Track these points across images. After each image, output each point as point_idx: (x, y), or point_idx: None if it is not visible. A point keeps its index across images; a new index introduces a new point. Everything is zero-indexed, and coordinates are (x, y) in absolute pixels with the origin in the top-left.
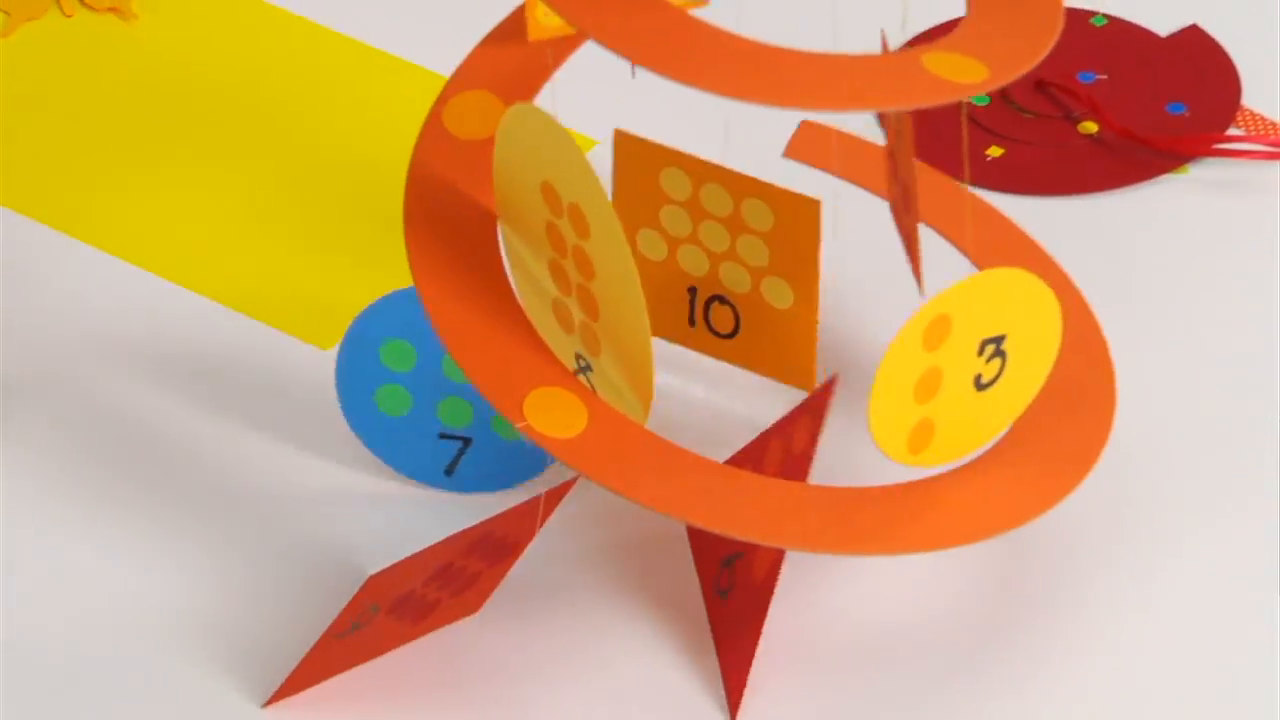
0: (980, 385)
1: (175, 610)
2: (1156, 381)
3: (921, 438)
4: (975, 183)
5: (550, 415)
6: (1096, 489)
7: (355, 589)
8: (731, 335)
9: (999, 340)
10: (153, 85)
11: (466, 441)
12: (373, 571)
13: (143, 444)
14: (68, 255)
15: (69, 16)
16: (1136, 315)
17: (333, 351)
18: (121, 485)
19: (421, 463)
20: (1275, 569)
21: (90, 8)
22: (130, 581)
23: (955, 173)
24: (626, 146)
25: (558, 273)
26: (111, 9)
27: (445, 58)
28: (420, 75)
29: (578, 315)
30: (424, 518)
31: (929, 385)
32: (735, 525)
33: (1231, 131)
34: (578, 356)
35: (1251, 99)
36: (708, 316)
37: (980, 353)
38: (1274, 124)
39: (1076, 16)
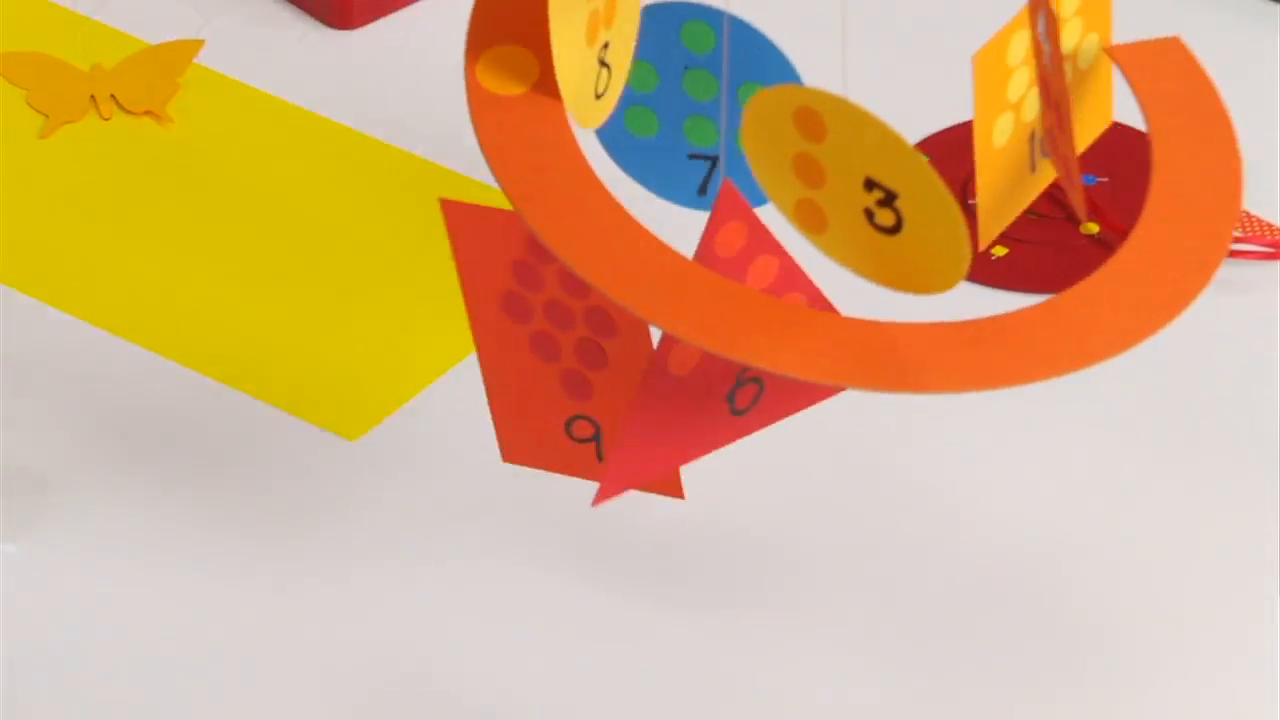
0: (875, 224)
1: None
2: (1157, 475)
3: (813, 219)
4: (981, 281)
5: (502, 70)
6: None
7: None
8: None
9: (890, 195)
10: (186, 184)
11: (714, 160)
12: None
13: (165, 535)
14: (103, 348)
15: (106, 119)
16: (1139, 410)
17: (358, 443)
18: (139, 585)
19: (675, 184)
20: None
21: (128, 112)
22: None
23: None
24: (986, 61)
25: None
26: (148, 113)
27: (464, 158)
28: (436, 171)
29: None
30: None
31: (810, 171)
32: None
33: None
34: (599, 56)
35: (1249, 202)
36: (1042, 146)
37: (867, 189)
38: (1271, 225)
39: None
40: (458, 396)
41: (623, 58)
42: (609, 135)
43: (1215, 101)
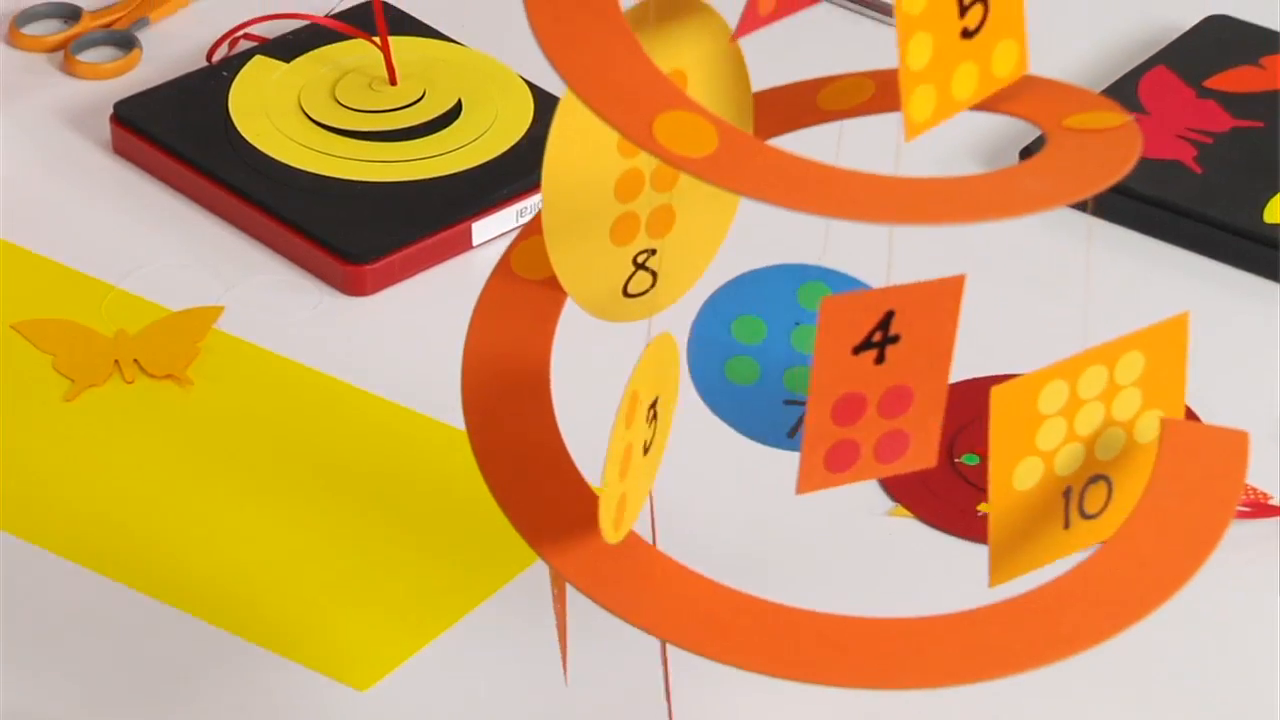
0: (645, 450)
1: None
2: None
3: (622, 514)
4: (967, 535)
5: (680, 136)
6: None
7: None
8: (1103, 510)
9: (654, 403)
10: (205, 443)
11: None
12: None
13: None
14: (119, 599)
15: (129, 383)
16: (1128, 664)
17: (368, 693)
18: None
19: (765, 427)
20: None
21: (150, 375)
22: None
23: (951, 527)
24: (1005, 397)
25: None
26: (169, 376)
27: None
28: (443, 430)
29: (646, 209)
30: None
31: (625, 461)
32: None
33: None
34: (635, 257)
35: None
36: (1082, 507)
37: (647, 420)
38: (1250, 486)
39: None
40: (468, 646)
41: (683, 270)
42: (702, 379)
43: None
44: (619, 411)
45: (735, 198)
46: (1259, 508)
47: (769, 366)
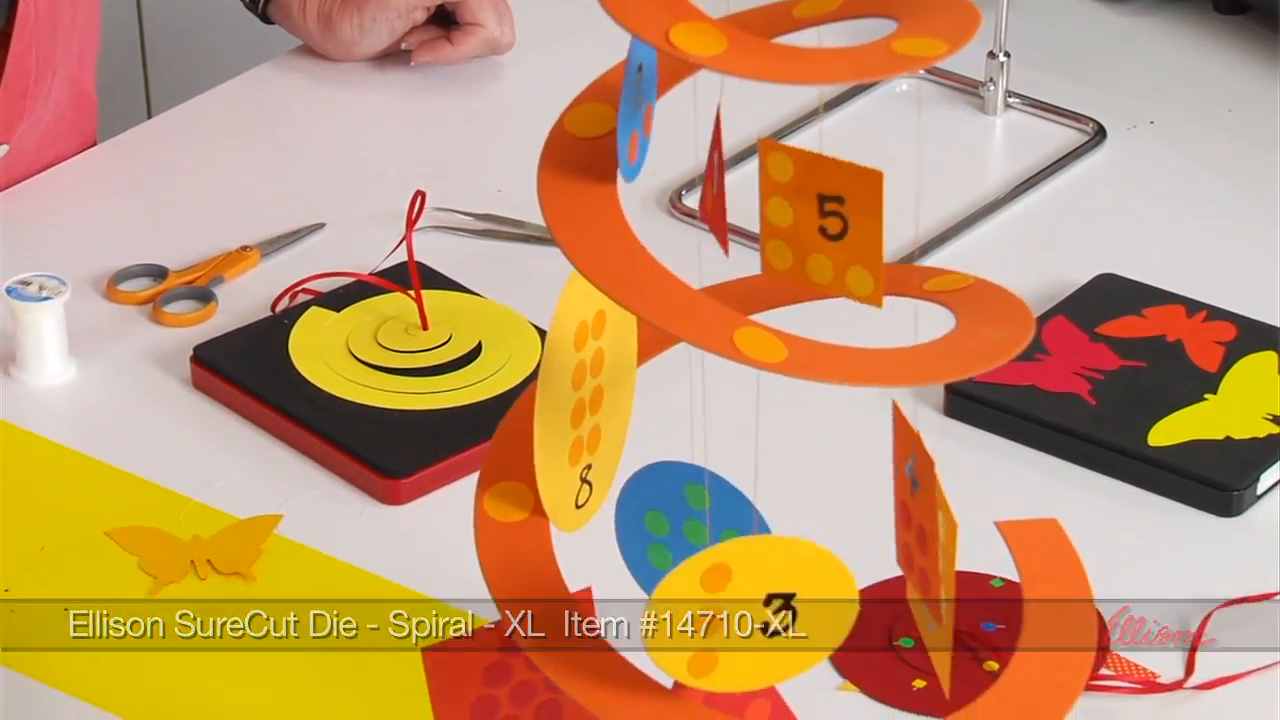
0: (769, 632)
1: None
2: None
3: (704, 664)
4: (905, 707)
5: (756, 347)
6: None
7: None
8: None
9: (788, 597)
10: (267, 629)
11: None
12: None
13: None
14: None
15: (203, 579)
16: None
17: None
18: None
19: None
20: None
21: (220, 573)
22: None
23: (892, 699)
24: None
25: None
26: (236, 573)
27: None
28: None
29: (586, 431)
30: None
31: (709, 621)
32: (931, 373)
33: (1103, 671)
34: (581, 473)
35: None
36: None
37: (767, 604)
38: (1139, 665)
39: (979, 579)
40: None
41: (605, 476)
42: (633, 563)
43: (1080, 572)
44: (685, 569)
45: (629, 413)
46: (1148, 685)
47: (678, 555)
